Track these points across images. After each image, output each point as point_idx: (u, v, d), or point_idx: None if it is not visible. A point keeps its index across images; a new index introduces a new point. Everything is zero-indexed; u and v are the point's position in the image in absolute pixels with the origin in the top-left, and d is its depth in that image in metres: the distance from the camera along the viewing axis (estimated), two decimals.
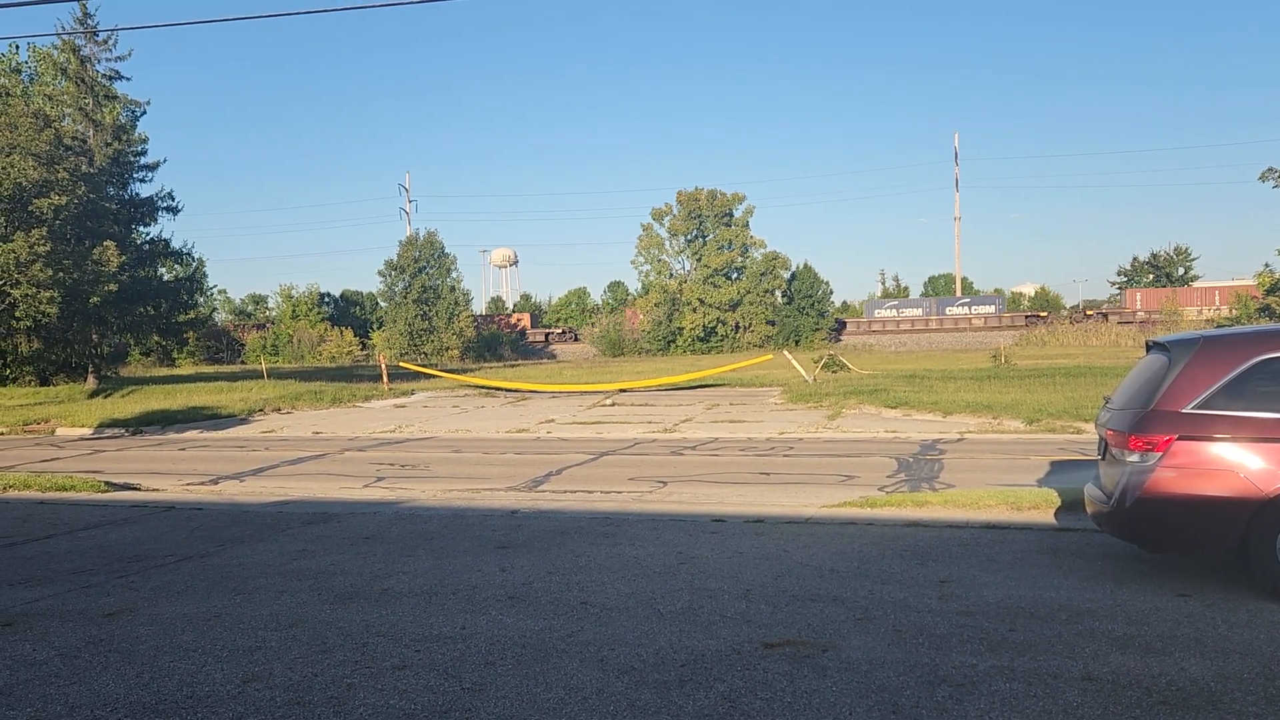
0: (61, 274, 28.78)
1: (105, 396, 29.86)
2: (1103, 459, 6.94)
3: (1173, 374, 6.27)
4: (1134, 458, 6.19)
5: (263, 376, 36.48)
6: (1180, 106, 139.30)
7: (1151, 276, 79.93)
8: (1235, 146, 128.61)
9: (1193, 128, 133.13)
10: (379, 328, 68.41)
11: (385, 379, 34.35)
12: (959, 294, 79.27)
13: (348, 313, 78.16)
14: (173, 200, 39.23)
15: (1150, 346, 7.10)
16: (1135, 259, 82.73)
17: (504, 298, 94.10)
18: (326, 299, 79.09)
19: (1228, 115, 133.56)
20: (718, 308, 65.31)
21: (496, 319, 77.73)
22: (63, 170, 30.71)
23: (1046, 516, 8.75)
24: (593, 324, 72.28)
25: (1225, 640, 5.10)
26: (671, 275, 67.89)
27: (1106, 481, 6.66)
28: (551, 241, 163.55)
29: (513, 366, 51.92)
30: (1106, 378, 23.17)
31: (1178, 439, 6.04)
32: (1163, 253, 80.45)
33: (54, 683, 4.88)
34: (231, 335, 72.44)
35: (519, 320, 77.99)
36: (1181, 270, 79.88)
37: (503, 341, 68.16)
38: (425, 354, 62.11)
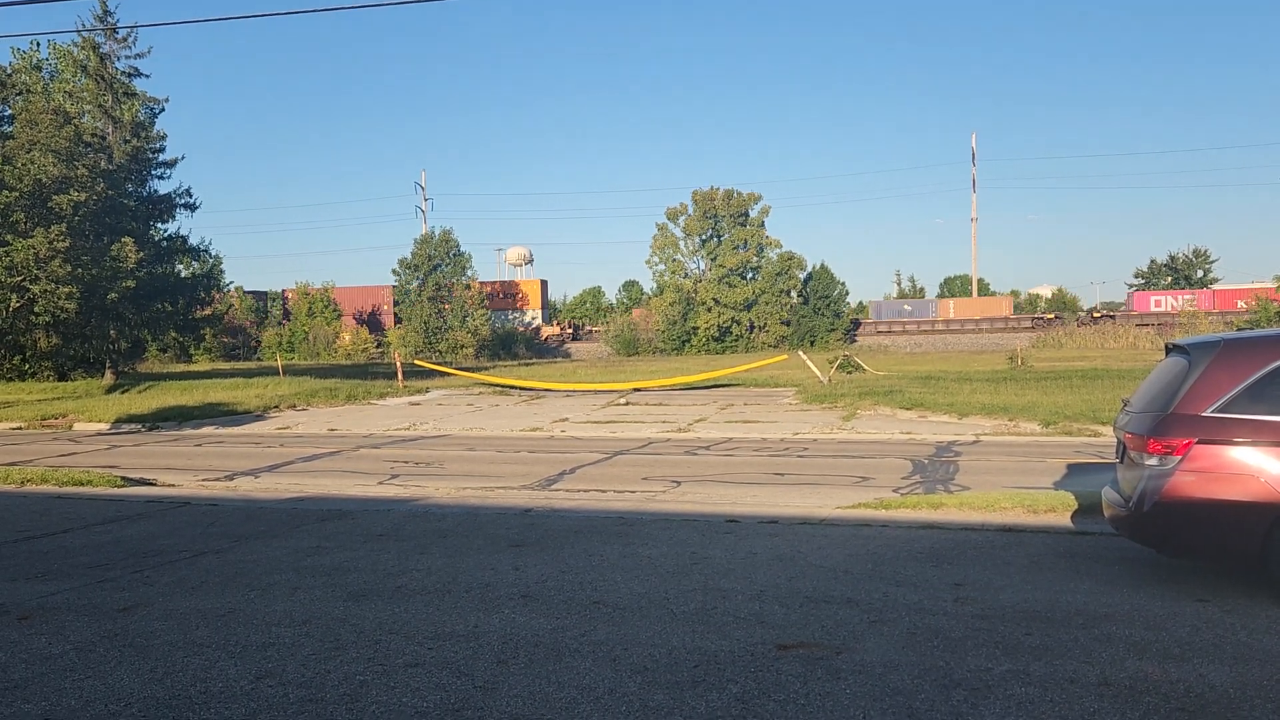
0: (80, 270, 29.02)
1: (122, 392, 30.06)
2: (1121, 462, 6.88)
3: (1192, 377, 6.20)
4: (1153, 461, 6.13)
5: (279, 373, 36.66)
6: (1200, 108, 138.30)
7: (1170, 279, 79.33)
8: (1256, 149, 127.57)
9: (1213, 130, 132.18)
10: (397, 323, 68.53)
11: (400, 377, 34.47)
12: (974, 295, 78.78)
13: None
14: (190, 197, 39.49)
15: (1170, 349, 7.03)
16: (1153, 261, 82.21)
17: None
18: None
19: (1249, 118, 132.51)
20: (732, 308, 65.21)
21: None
22: (82, 167, 30.96)
23: (1063, 520, 8.69)
24: (607, 323, 72.25)
25: (1245, 647, 5.04)
26: (686, 275, 67.87)
27: (1124, 485, 6.60)
28: (567, 240, 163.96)
29: (527, 365, 52.01)
30: (1124, 380, 23.02)
31: (1197, 443, 5.97)
32: (1181, 255, 79.84)
33: (69, 676, 4.90)
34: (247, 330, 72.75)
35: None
36: (1200, 273, 79.26)
37: (517, 340, 68.24)
38: (440, 352, 62.30)
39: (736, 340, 65.52)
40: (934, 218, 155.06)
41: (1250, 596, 5.96)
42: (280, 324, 73.87)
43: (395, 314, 70.97)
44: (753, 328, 66.18)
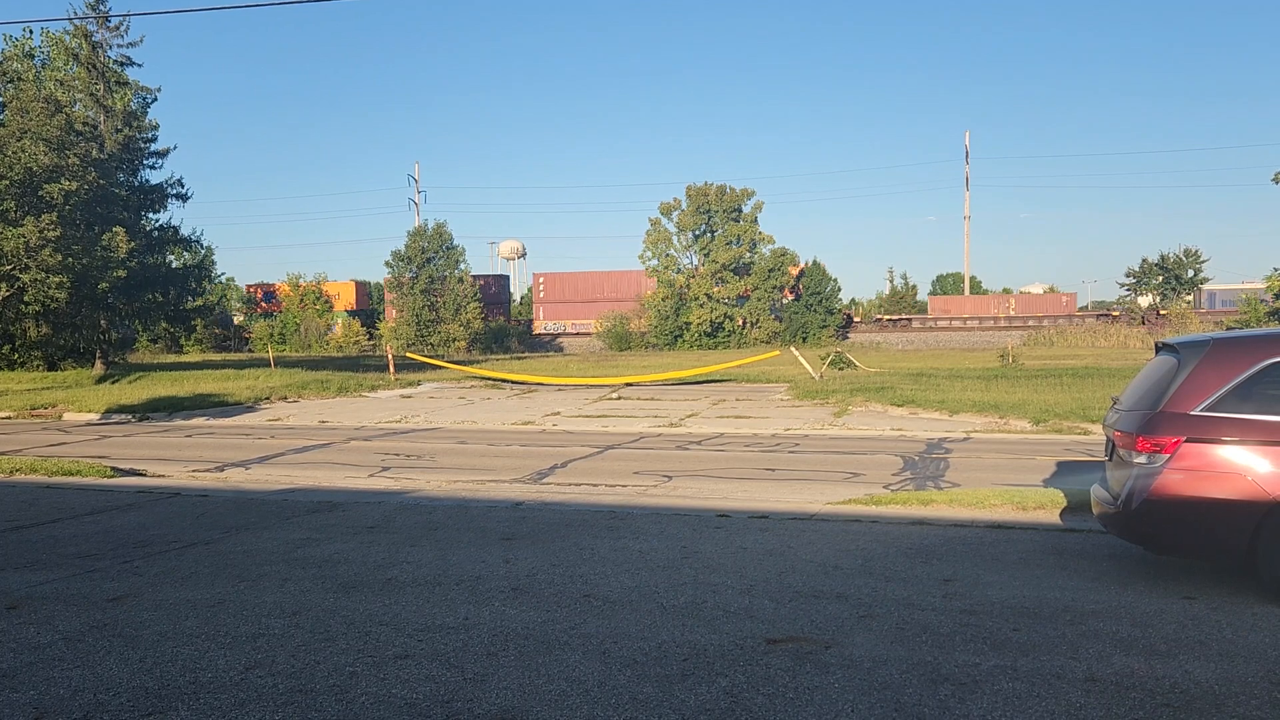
0: (71, 259, 28.87)
1: (113, 382, 29.96)
2: (1110, 460, 6.91)
3: (1182, 376, 6.23)
4: (1141, 459, 6.16)
5: (270, 365, 36.56)
6: (1193, 109, 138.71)
7: (1161, 278, 79.56)
8: (1248, 149, 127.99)
9: (1205, 130, 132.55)
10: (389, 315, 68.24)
11: (392, 369, 34.40)
12: (967, 293, 78.84)
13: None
14: (182, 187, 39.37)
15: (1159, 348, 7.07)
16: (1145, 260, 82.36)
17: (512, 290, 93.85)
18: None
19: (1240, 118, 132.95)
20: (725, 303, 65.19)
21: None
22: (73, 156, 30.79)
23: (1052, 517, 8.73)
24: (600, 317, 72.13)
25: (1230, 643, 5.08)
26: (679, 270, 67.79)
27: (1113, 483, 6.64)
28: (560, 234, 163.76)
29: (519, 359, 51.94)
30: (1114, 379, 23.10)
31: (1186, 441, 6.00)
32: (1172, 255, 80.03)
33: (57, 666, 4.89)
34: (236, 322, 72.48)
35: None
36: (1191, 273, 79.48)
37: (510, 333, 68.12)
38: (432, 345, 62.14)
39: (729, 336, 65.50)
40: (926, 215, 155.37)
41: (1237, 594, 6.00)
42: (272, 316, 73.64)
43: (388, 305, 70.72)
44: (745, 323, 66.18)
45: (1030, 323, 67.52)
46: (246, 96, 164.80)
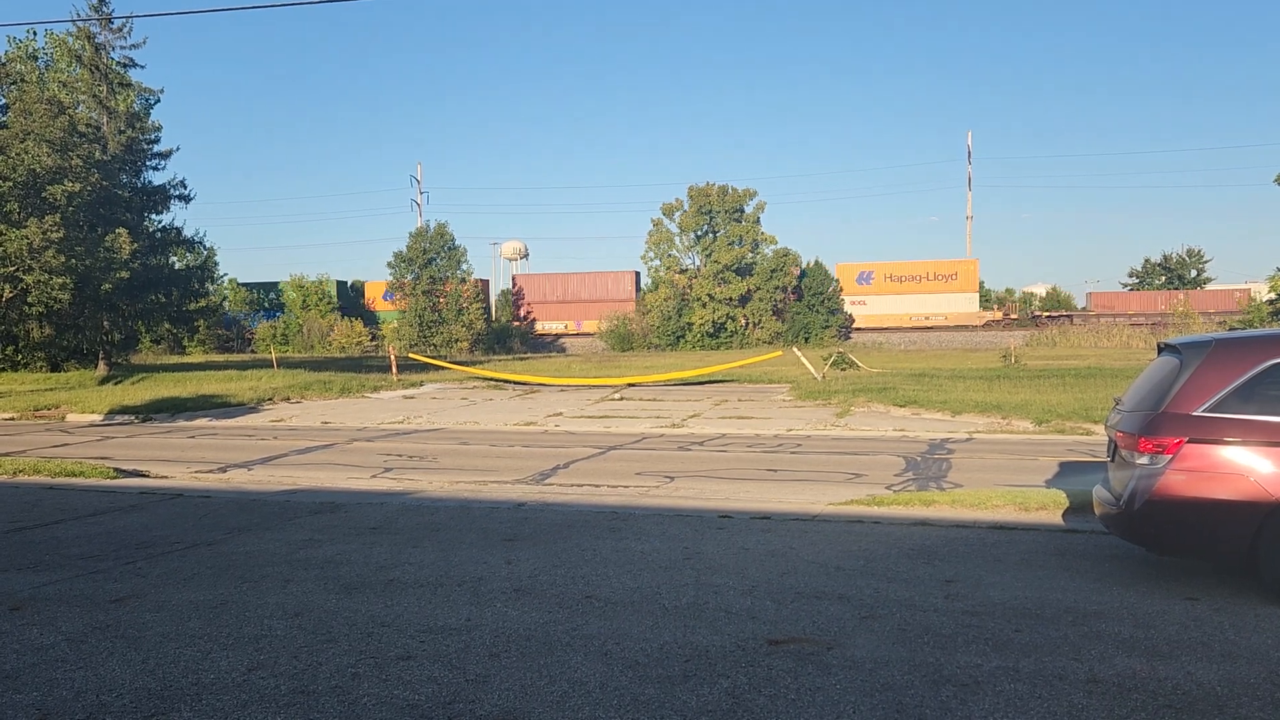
0: (74, 260, 28.90)
1: (115, 383, 30.00)
2: (1112, 461, 6.91)
3: (1184, 376, 6.23)
4: (1143, 460, 6.16)
5: (272, 366, 36.59)
6: (1195, 109, 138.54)
7: (1164, 278, 79.53)
8: (1250, 150, 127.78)
9: (1208, 130, 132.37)
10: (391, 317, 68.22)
11: (394, 370, 34.43)
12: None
13: (357, 303, 78.20)
14: (185, 189, 39.33)
15: (1162, 348, 7.07)
16: (1147, 260, 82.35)
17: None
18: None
19: (1243, 118, 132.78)
20: (727, 303, 65.19)
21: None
22: (76, 157, 30.82)
23: (1054, 518, 8.72)
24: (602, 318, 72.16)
25: (1232, 645, 5.07)
26: (681, 270, 67.81)
27: (1115, 483, 6.64)
28: (562, 235, 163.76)
29: (522, 359, 51.96)
30: (1117, 379, 23.08)
31: (1188, 442, 6.00)
32: (1174, 255, 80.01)
33: (60, 667, 4.90)
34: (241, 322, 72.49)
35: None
36: (1194, 273, 79.46)
37: (512, 334, 68.14)
38: (434, 345, 62.17)
39: (731, 336, 65.50)
40: (929, 216, 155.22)
41: (1239, 595, 5.99)
42: (274, 316, 73.67)
43: (389, 307, 70.78)
44: (747, 324, 66.19)
45: (1201, 319, 63.64)
46: (248, 97, 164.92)
